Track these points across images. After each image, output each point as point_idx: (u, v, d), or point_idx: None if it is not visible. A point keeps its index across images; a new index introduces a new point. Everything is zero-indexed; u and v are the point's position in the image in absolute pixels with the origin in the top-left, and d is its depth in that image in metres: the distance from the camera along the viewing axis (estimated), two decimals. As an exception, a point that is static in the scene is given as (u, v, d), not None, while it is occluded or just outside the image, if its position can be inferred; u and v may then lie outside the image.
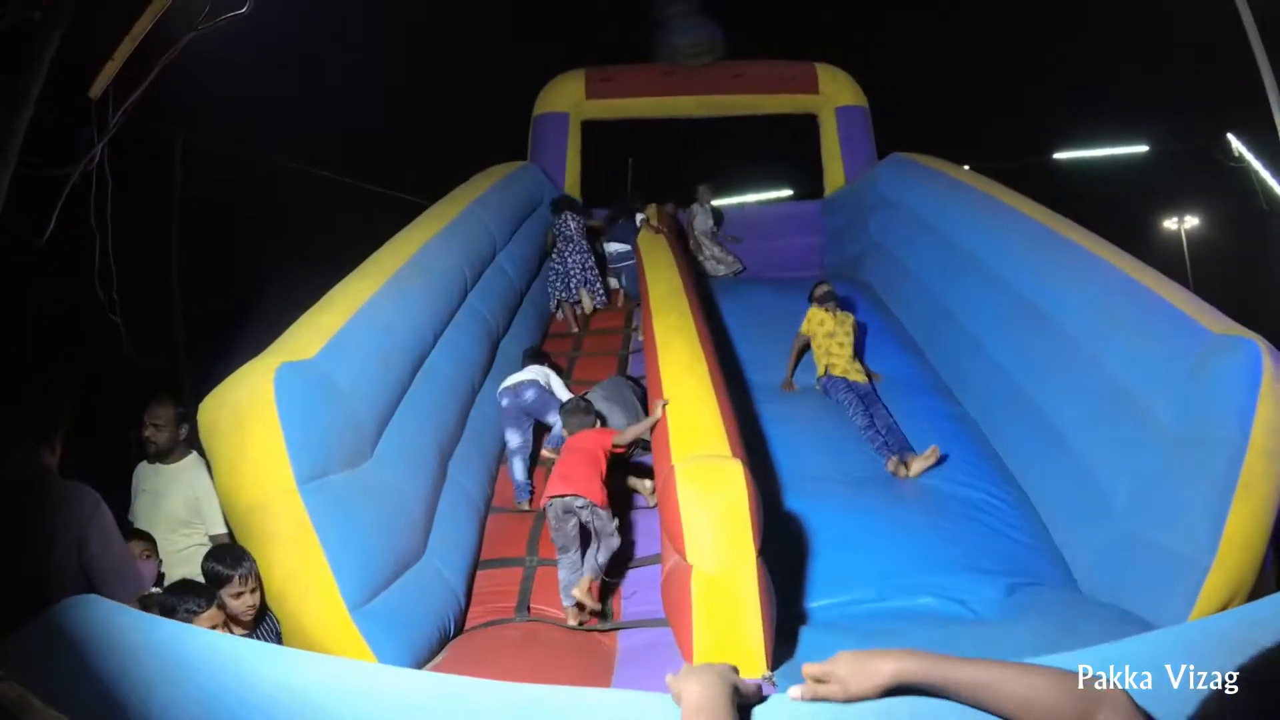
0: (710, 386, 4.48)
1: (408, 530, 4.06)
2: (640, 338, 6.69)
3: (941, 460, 5.19)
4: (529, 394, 5.33)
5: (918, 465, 5.16)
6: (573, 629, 4.11)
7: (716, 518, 3.54)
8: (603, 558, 4.30)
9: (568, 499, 4.30)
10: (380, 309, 4.50)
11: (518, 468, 5.30)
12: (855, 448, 5.42)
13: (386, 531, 3.86)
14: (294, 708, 1.78)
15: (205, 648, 1.88)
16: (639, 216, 8.18)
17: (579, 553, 4.30)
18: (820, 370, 6.15)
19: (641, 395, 5.51)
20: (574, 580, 4.21)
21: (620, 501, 4.90)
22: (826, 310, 6.28)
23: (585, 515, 4.31)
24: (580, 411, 4.85)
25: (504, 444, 5.48)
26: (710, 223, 9.39)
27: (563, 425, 4.92)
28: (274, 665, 1.89)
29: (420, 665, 3.64)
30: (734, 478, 3.61)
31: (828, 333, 6.18)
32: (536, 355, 6.08)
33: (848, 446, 5.44)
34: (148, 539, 3.96)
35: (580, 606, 4.17)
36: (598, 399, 5.24)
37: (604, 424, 5.03)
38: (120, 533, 3.34)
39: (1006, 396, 5.48)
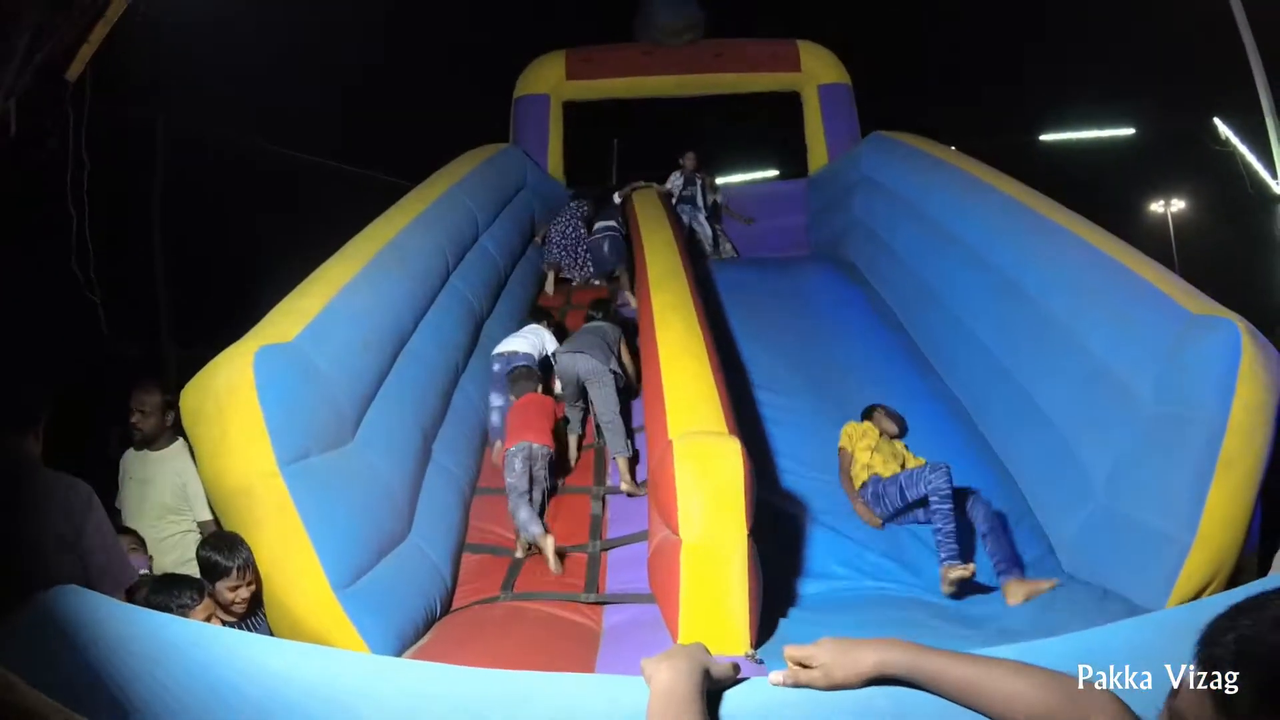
0: (707, 365, 4.51)
1: (391, 511, 4.05)
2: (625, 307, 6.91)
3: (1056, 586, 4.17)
4: (521, 367, 5.51)
5: (1025, 591, 4.14)
6: (556, 599, 4.14)
7: (711, 494, 3.56)
8: (537, 496, 4.83)
9: (537, 446, 4.84)
10: (360, 291, 4.46)
11: (495, 418, 5.51)
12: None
13: (370, 513, 3.85)
14: (279, 695, 1.78)
15: (188, 637, 1.89)
16: (616, 196, 8.18)
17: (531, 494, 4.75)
18: (858, 481, 4.93)
19: (623, 323, 6.14)
20: (534, 519, 4.57)
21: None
22: (874, 427, 5.17)
23: (541, 464, 4.86)
24: (523, 378, 5.33)
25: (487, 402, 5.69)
26: (703, 201, 9.17)
27: (509, 389, 5.36)
28: (259, 653, 1.89)
29: (406, 646, 3.65)
30: (731, 455, 3.63)
31: (869, 446, 5.02)
32: (537, 314, 6.43)
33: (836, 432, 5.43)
34: (133, 534, 3.91)
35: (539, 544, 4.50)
36: (563, 353, 5.53)
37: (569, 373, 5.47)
38: (113, 526, 3.32)
39: (988, 375, 5.50)
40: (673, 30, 9.64)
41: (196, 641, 1.87)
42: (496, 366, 5.60)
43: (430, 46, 12.84)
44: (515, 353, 5.60)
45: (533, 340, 5.75)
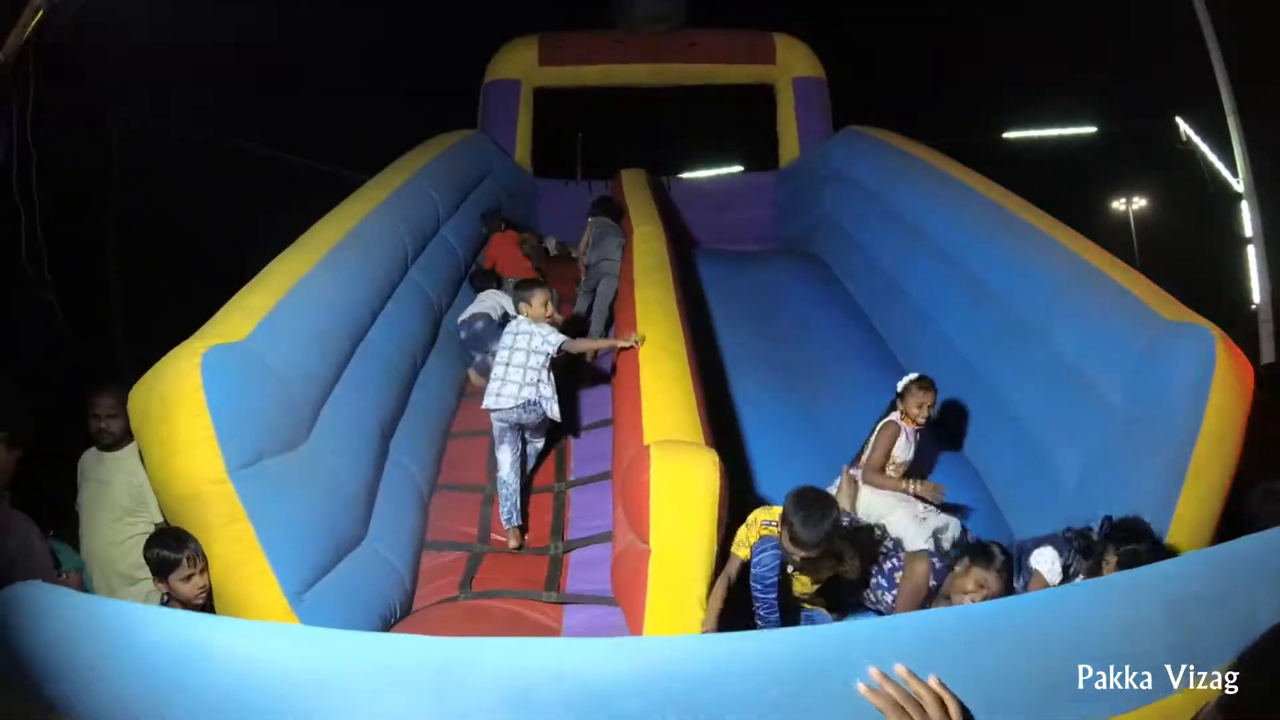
0: (687, 366, 4.52)
1: (347, 513, 3.96)
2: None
3: None
4: (478, 325, 5.95)
5: None
6: (517, 598, 4.12)
7: (685, 508, 3.57)
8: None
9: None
10: (315, 286, 4.31)
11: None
12: (817, 430, 5.37)
13: (325, 516, 3.76)
14: (234, 674, 1.91)
15: (145, 622, 2.00)
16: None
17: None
18: None
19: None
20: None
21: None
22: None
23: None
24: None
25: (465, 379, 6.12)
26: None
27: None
28: (213, 634, 2.02)
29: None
30: (708, 469, 3.62)
31: None
32: (486, 279, 6.60)
33: (809, 428, 5.40)
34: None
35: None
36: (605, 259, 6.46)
37: None
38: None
39: (956, 373, 5.46)
40: (651, 18, 9.51)
41: (152, 630, 1.97)
42: (463, 334, 6.01)
43: (396, 30, 12.64)
44: (473, 315, 6.01)
45: (489, 303, 6.10)
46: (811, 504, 3.45)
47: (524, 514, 4.77)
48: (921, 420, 4.59)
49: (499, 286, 6.48)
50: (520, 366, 4.73)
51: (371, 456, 4.38)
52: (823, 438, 5.27)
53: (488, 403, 4.72)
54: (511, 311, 5.71)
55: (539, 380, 4.72)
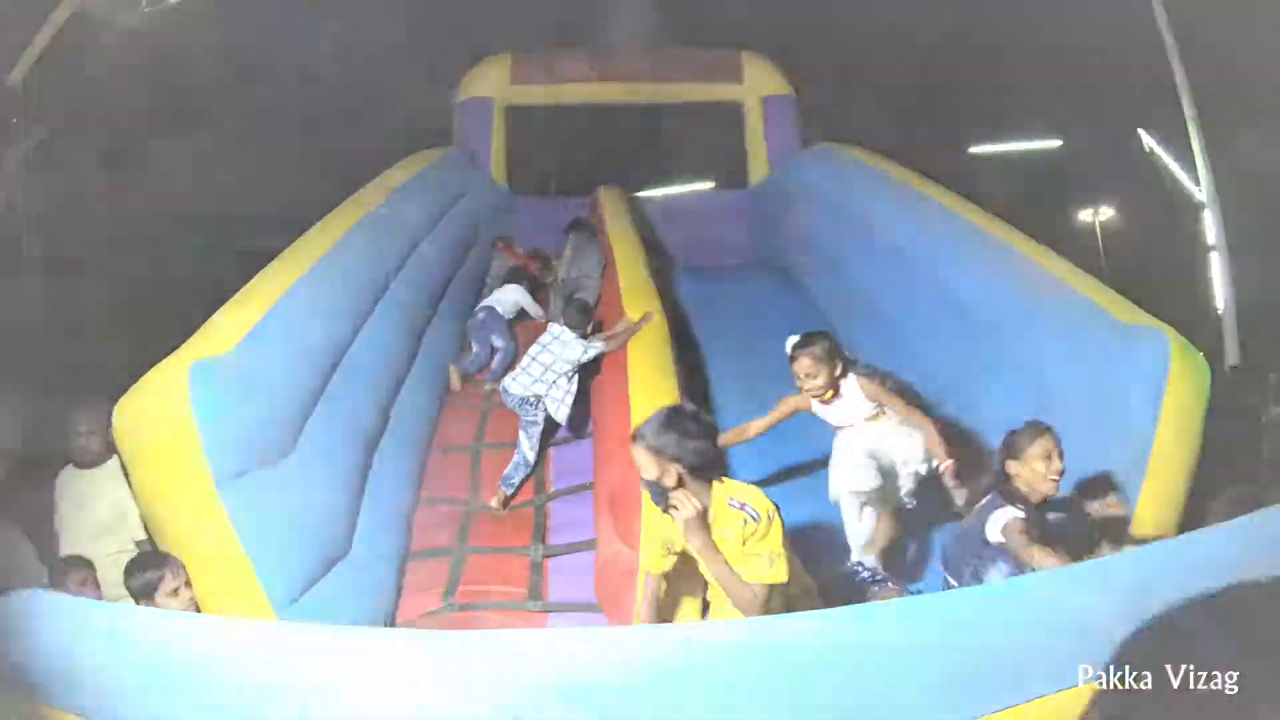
0: (674, 380, 4.61)
1: (333, 525, 4.02)
2: None
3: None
4: (480, 316, 6.68)
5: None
6: (500, 608, 4.16)
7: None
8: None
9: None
10: (298, 301, 4.36)
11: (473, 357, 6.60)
12: (791, 441, 5.44)
13: (311, 528, 3.81)
14: (233, 671, 1.97)
15: (143, 623, 2.01)
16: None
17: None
18: None
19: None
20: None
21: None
22: None
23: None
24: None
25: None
26: None
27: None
28: (216, 634, 2.16)
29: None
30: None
31: None
32: (514, 274, 7.27)
33: (785, 440, 5.46)
34: (86, 565, 3.73)
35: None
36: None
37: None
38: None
39: (924, 382, 5.53)
40: (625, 36, 9.61)
41: (152, 632, 2.09)
42: (469, 321, 6.76)
43: (370, 47, 12.64)
44: (480, 306, 6.76)
45: (503, 299, 6.83)
46: (675, 415, 3.03)
47: (517, 490, 5.16)
48: (808, 388, 3.97)
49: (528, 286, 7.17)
50: (543, 366, 5.26)
51: (356, 469, 4.43)
52: (797, 448, 5.34)
53: (504, 382, 5.38)
54: (529, 306, 6.95)
55: (554, 382, 5.22)
